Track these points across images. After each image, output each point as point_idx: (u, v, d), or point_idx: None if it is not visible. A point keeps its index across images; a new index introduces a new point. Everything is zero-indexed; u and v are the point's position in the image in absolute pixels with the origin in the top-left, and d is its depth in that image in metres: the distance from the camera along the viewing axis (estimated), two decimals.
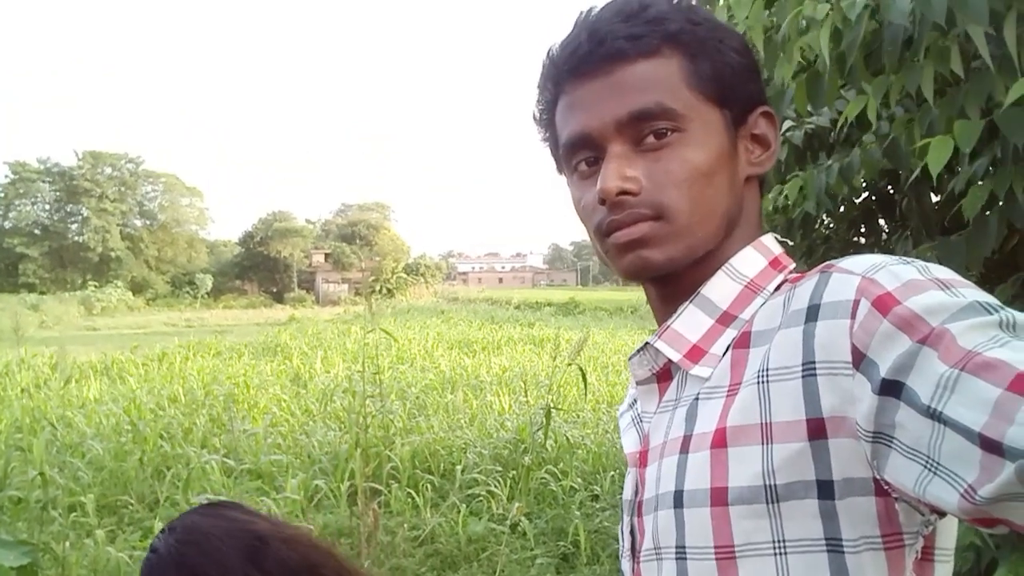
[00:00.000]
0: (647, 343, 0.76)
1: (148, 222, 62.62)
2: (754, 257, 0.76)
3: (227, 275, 61.63)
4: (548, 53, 0.77)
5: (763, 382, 0.64)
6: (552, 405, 5.17)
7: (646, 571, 0.73)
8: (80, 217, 58.16)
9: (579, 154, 0.75)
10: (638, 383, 0.79)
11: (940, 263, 0.68)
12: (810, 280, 0.65)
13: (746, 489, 0.63)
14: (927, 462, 0.52)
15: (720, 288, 0.74)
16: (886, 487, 0.59)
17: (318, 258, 63.76)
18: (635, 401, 0.82)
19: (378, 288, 48.95)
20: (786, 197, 2.38)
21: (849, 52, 1.36)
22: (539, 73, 0.79)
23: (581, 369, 5.11)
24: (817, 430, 0.61)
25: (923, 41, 1.28)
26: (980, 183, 1.43)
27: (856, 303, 0.59)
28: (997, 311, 0.53)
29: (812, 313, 0.62)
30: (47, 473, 4.66)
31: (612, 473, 5.44)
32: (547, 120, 0.80)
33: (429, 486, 5.21)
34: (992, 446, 0.47)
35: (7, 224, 56.75)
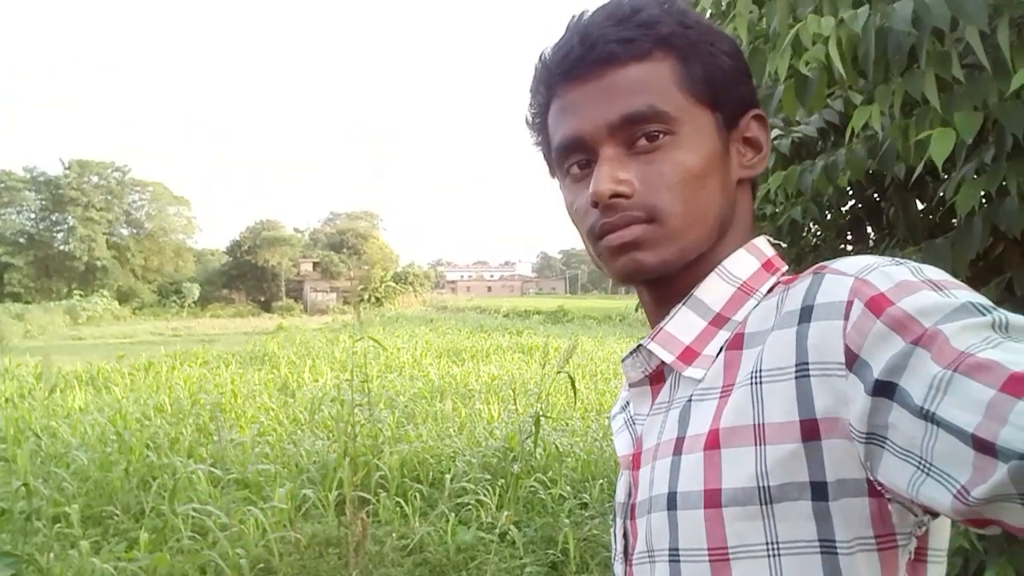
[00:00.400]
0: (640, 345, 0.76)
1: (135, 231, 62.22)
2: (747, 259, 0.76)
3: (214, 284, 61.33)
4: (540, 57, 0.77)
5: (756, 383, 0.64)
6: (541, 413, 5.17)
7: (639, 574, 0.73)
8: (66, 226, 57.70)
9: (571, 157, 0.75)
10: (631, 385, 0.79)
11: None
12: (803, 282, 0.65)
13: (740, 491, 0.63)
14: (920, 463, 0.52)
15: (713, 290, 0.74)
16: (879, 488, 0.59)
17: (306, 267, 63.56)
18: (628, 403, 0.82)
19: (366, 297, 48.85)
20: (773, 204, 2.39)
21: (866, 63, 1.37)
22: (531, 77, 0.79)
23: (570, 377, 5.11)
24: (810, 431, 0.60)
25: (923, 46, 1.30)
26: (974, 178, 1.44)
27: (849, 304, 0.59)
28: (990, 312, 0.53)
29: (805, 314, 0.63)
30: (31, 484, 4.60)
31: (601, 481, 5.43)
32: (539, 124, 0.80)
33: (418, 495, 5.19)
34: (985, 447, 0.47)
35: None
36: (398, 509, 4.98)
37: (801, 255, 2.49)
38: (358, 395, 5.11)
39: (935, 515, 0.61)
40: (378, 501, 4.96)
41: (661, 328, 0.75)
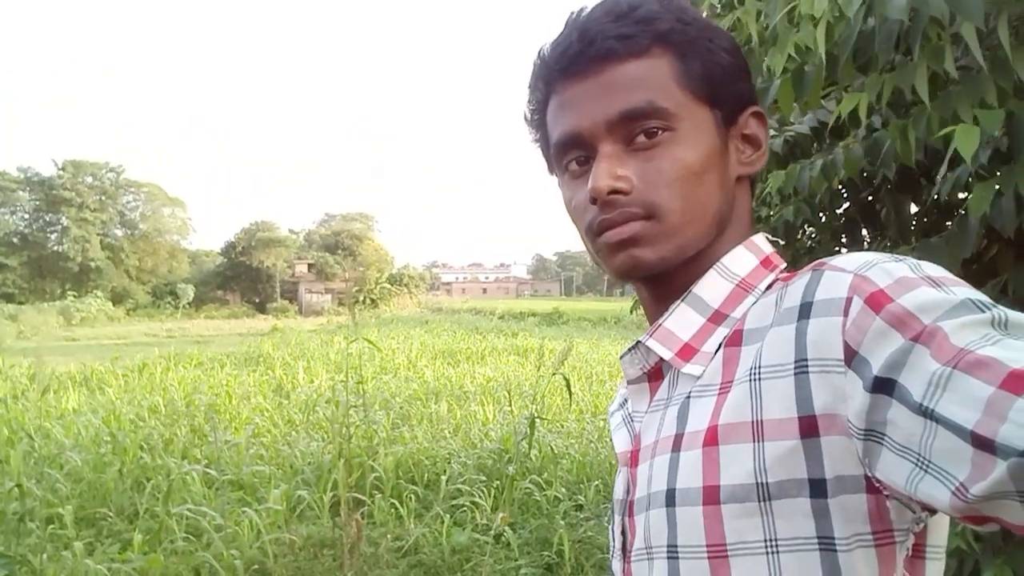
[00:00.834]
0: (639, 341, 0.76)
1: (129, 232, 62.06)
2: (745, 256, 0.76)
3: (209, 285, 61.20)
4: (539, 53, 0.77)
5: (755, 380, 0.64)
6: (536, 415, 5.17)
7: (637, 571, 0.73)
8: (60, 227, 57.55)
9: (570, 154, 0.75)
10: (629, 382, 0.79)
11: None
12: (802, 278, 0.65)
13: (738, 487, 0.63)
14: (919, 460, 0.52)
15: (712, 287, 0.74)
16: (877, 485, 0.59)
17: (301, 268, 63.43)
18: (626, 400, 0.82)
19: (361, 298, 48.87)
20: (768, 206, 2.39)
21: (843, 48, 1.36)
22: (530, 73, 0.79)
23: (565, 379, 5.11)
24: (809, 428, 0.60)
25: (917, 38, 1.29)
26: (985, 179, 1.43)
27: (849, 300, 0.59)
28: (989, 309, 0.53)
29: (804, 311, 0.62)
30: (24, 485, 4.59)
31: (596, 483, 5.43)
32: (538, 120, 0.80)
33: (413, 496, 5.18)
34: (984, 444, 0.47)
35: None
36: (393, 510, 4.97)
37: (796, 257, 2.49)
38: (353, 396, 5.10)
39: (933, 512, 0.61)
40: (373, 502, 4.95)
41: (660, 325, 0.75)
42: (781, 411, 0.62)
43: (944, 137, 1.32)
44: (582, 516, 4.93)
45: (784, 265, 0.77)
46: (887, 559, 0.61)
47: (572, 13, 0.75)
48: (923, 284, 0.57)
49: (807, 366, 0.61)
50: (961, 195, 1.66)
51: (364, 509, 4.74)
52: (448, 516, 4.70)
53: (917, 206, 2.11)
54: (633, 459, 0.76)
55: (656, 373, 0.77)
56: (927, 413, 0.51)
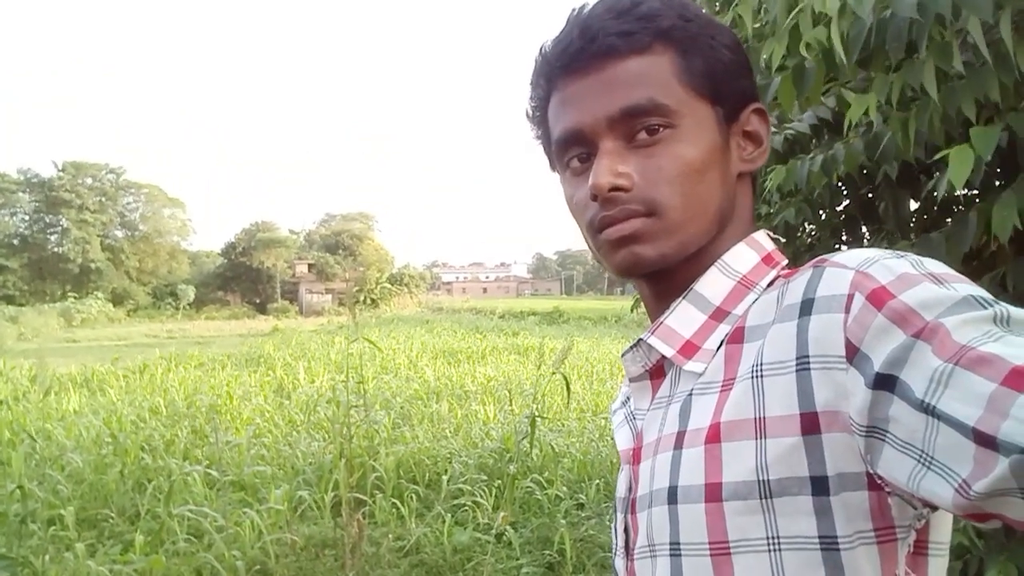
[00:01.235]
0: (640, 339, 0.76)
1: (129, 233, 62.05)
2: (747, 253, 0.76)
3: (209, 286, 61.20)
4: (541, 50, 0.77)
5: (757, 377, 0.64)
6: (537, 414, 5.16)
7: (640, 568, 0.73)
8: (60, 228, 57.56)
9: (571, 151, 0.75)
10: (631, 380, 0.79)
11: None
12: (803, 275, 0.65)
13: (740, 484, 0.63)
14: (921, 456, 0.52)
15: (713, 284, 0.74)
16: (879, 481, 0.58)
17: (301, 268, 63.42)
18: (628, 398, 0.82)
19: (362, 298, 48.88)
20: (768, 204, 2.39)
21: (853, 46, 1.36)
22: (532, 70, 0.79)
23: (565, 378, 5.10)
24: (811, 425, 0.60)
25: (924, 36, 1.29)
26: (1006, 197, 1.42)
27: (850, 297, 0.59)
28: (991, 305, 0.53)
29: (806, 308, 0.62)
30: (26, 486, 4.59)
31: (597, 481, 5.43)
32: (540, 117, 0.80)
33: (414, 496, 5.18)
34: (986, 440, 0.47)
35: None
36: (394, 510, 4.97)
37: (797, 255, 2.49)
38: (354, 396, 5.09)
39: (934, 508, 0.61)
40: (374, 502, 4.94)
41: (661, 322, 0.75)
42: (782, 408, 0.62)
43: (943, 136, 1.32)
44: (583, 515, 4.93)
45: (785, 262, 0.77)
46: (889, 556, 0.61)
47: (574, 10, 0.75)
48: (925, 280, 0.56)
49: (809, 363, 0.61)
50: (959, 192, 1.66)
51: (365, 509, 4.73)
52: (449, 515, 4.70)
53: (916, 202, 2.11)
54: (635, 457, 0.76)
55: (658, 371, 0.77)
56: (929, 410, 0.51)
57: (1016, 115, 1.37)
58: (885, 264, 0.59)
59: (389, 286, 56.00)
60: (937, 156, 1.35)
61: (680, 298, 0.75)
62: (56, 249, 57.00)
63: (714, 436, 0.65)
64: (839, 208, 2.45)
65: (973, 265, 1.81)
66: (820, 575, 0.61)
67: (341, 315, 39.07)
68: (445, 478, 5.37)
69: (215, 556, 4.09)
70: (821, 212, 2.42)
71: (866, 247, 0.64)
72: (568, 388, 5.29)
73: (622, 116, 0.71)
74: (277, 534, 4.39)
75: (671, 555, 0.67)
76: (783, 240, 2.36)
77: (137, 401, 9.53)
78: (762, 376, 0.64)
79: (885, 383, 0.54)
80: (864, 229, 2.43)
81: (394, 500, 5.08)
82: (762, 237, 0.78)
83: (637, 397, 0.79)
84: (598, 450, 6.24)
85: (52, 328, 35.16)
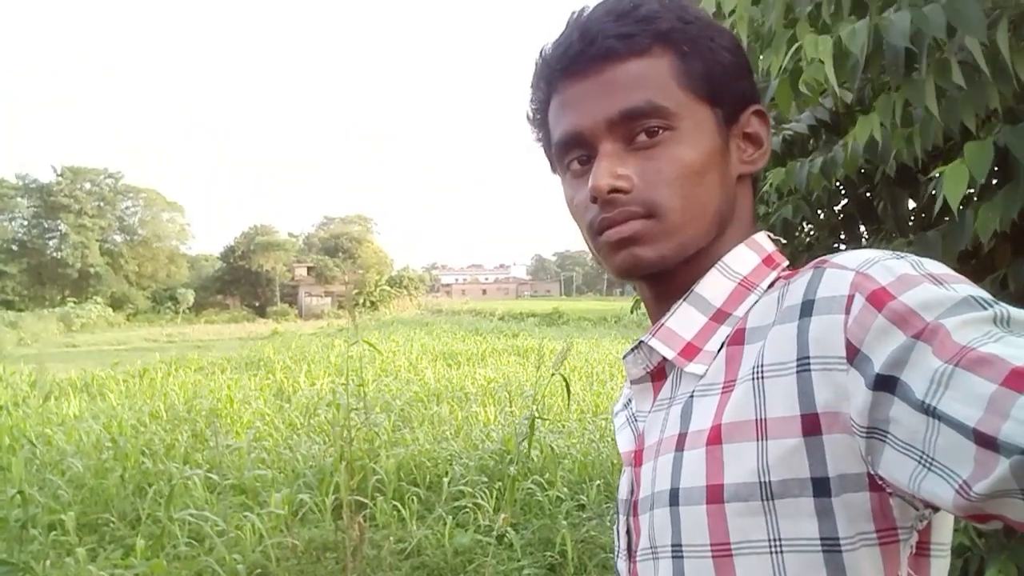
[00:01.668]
0: (641, 341, 0.76)
1: (128, 237, 62.05)
2: (747, 255, 0.76)
3: (209, 290, 61.21)
4: (541, 52, 0.77)
5: (758, 378, 0.64)
6: (537, 415, 5.15)
7: (643, 571, 0.73)
8: (59, 233, 57.55)
9: (571, 153, 0.75)
10: (632, 382, 0.79)
11: None
12: (804, 276, 0.65)
13: (742, 486, 0.63)
14: (921, 457, 0.52)
15: (714, 286, 0.74)
16: (880, 482, 0.58)
17: (301, 272, 63.41)
18: (630, 400, 0.82)
19: (361, 301, 48.90)
20: (766, 204, 2.39)
21: (852, 78, 1.37)
22: (532, 72, 0.79)
23: (565, 379, 5.10)
24: (812, 426, 0.60)
25: (923, 57, 1.30)
26: (991, 202, 1.43)
27: (850, 298, 0.59)
28: (991, 306, 0.53)
29: (806, 309, 0.62)
30: (27, 491, 4.59)
31: (598, 482, 5.43)
32: (540, 120, 0.80)
33: (415, 498, 5.18)
34: (987, 441, 0.47)
35: None
36: (395, 513, 4.96)
37: (795, 254, 2.49)
38: (354, 399, 5.10)
39: (936, 509, 0.61)
40: (375, 505, 4.94)
41: (662, 324, 0.75)
42: (783, 409, 0.62)
43: (942, 135, 1.32)
44: (584, 516, 4.93)
45: (786, 263, 0.77)
46: (891, 557, 0.61)
47: (573, 12, 0.75)
48: (925, 281, 0.56)
49: (809, 364, 0.61)
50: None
51: (366, 512, 4.73)
52: (450, 518, 4.69)
53: (914, 201, 2.11)
54: (637, 459, 0.76)
55: (659, 373, 0.77)
56: (929, 411, 0.51)
57: (1010, 129, 1.37)
58: (885, 265, 0.59)
59: (388, 288, 56.05)
60: (934, 172, 1.36)
61: (681, 300, 0.75)
62: (55, 254, 57.02)
63: (715, 438, 0.65)
64: (837, 208, 2.45)
65: (973, 265, 1.81)
66: None
67: (340, 318, 39.09)
68: (446, 480, 5.36)
69: (216, 560, 4.09)
70: (819, 211, 2.42)
71: (865, 247, 0.65)
72: (568, 389, 5.29)
73: (621, 118, 0.71)
74: (278, 537, 4.38)
75: (673, 557, 0.67)
76: (783, 240, 2.37)
77: (137, 405, 9.53)
78: (763, 377, 0.64)
79: (885, 384, 0.54)
80: (862, 228, 2.43)
81: (395, 503, 5.08)
82: (762, 239, 0.78)
83: (639, 399, 0.79)
84: (599, 451, 6.24)
85: (51, 333, 35.17)
